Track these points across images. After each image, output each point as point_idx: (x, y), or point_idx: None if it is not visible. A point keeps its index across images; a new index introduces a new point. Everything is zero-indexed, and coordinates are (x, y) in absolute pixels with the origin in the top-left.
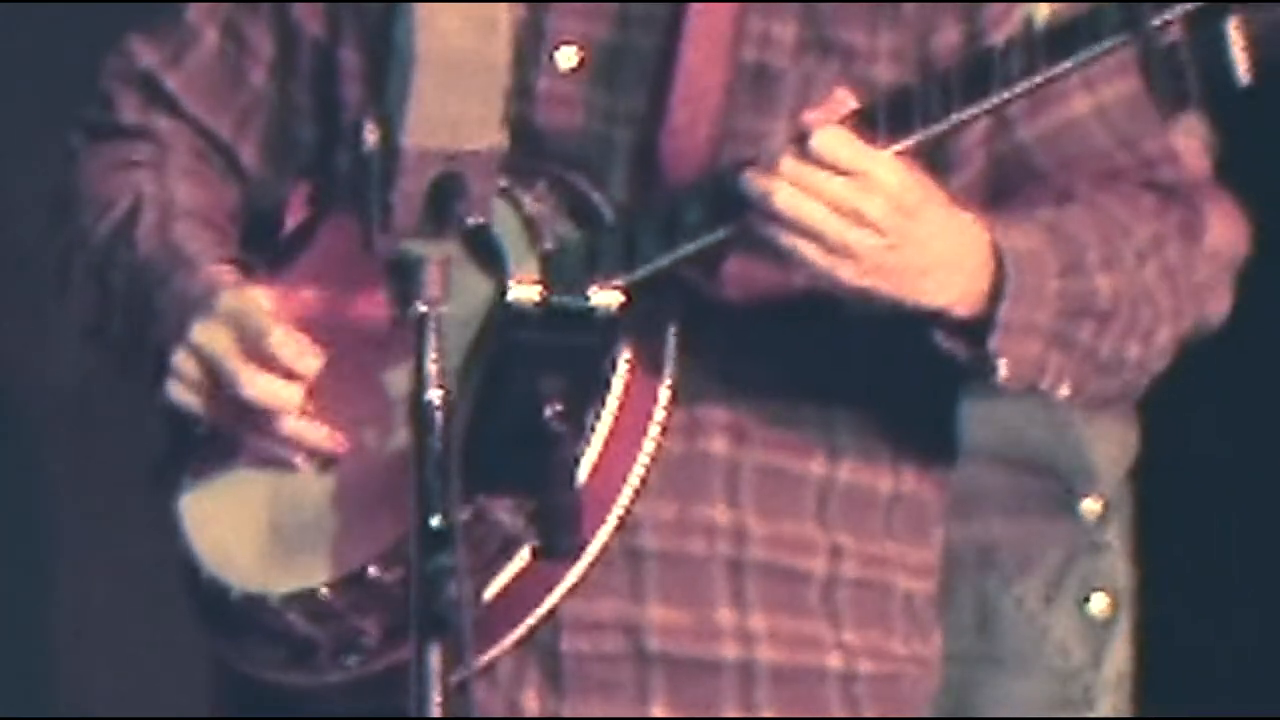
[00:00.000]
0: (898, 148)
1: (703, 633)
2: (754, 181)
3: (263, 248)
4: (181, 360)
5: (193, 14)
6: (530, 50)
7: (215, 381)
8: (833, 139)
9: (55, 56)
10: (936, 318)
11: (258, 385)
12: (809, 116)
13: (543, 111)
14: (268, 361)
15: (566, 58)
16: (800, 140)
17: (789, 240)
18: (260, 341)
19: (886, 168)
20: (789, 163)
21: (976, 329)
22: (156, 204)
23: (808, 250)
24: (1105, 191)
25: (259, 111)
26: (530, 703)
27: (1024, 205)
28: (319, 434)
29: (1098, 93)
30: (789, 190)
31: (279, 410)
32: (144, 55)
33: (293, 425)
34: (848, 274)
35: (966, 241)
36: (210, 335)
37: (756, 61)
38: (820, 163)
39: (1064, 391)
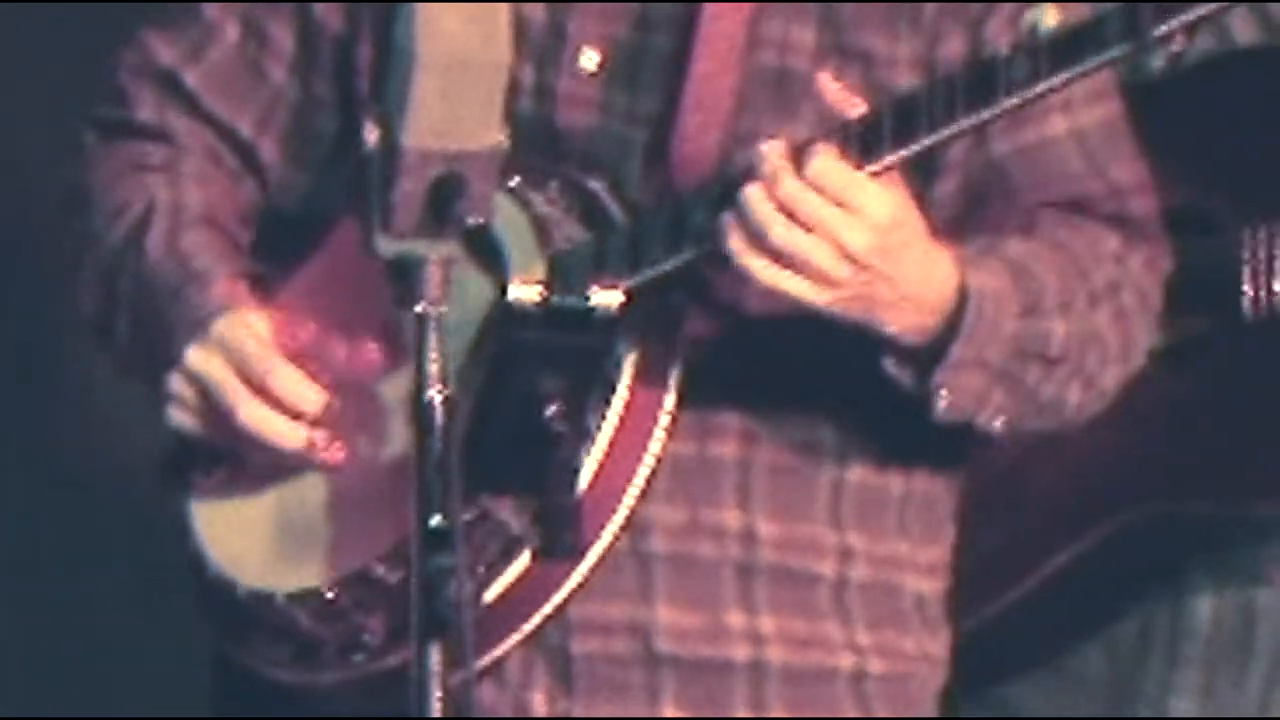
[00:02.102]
0: (894, 158)
1: (713, 634)
2: (737, 239)
3: (280, 246)
4: (178, 384)
5: (211, 10)
6: (551, 51)
7: (212, 406)
8: (830, 167)
9: (62, 49)
10: (887, 343)
11: (255, 420)
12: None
13: (563, 113)
14: (264, 392)
15: (589, 59)
16: (797, 157)
17: (770, 270)
18: (254, 370)
19: (879, 201)
20: (787, 183)
21: (924, 358)
22: (169, 211)
23: (790, 282)
24: (1068, 228)
25: (280, 108)
26: (539, 704)
27: (990, 229)
28: (321, 450)
29: (1076, 116)
30: (783, 226)
31: (278, 444)
32: (162, 51)
33: (294, 447)
34: (818, 298)
35: (935, 281)
36: (205, 362)
37: (779, 66)
38: (816, 189)
39: (998, 426)
